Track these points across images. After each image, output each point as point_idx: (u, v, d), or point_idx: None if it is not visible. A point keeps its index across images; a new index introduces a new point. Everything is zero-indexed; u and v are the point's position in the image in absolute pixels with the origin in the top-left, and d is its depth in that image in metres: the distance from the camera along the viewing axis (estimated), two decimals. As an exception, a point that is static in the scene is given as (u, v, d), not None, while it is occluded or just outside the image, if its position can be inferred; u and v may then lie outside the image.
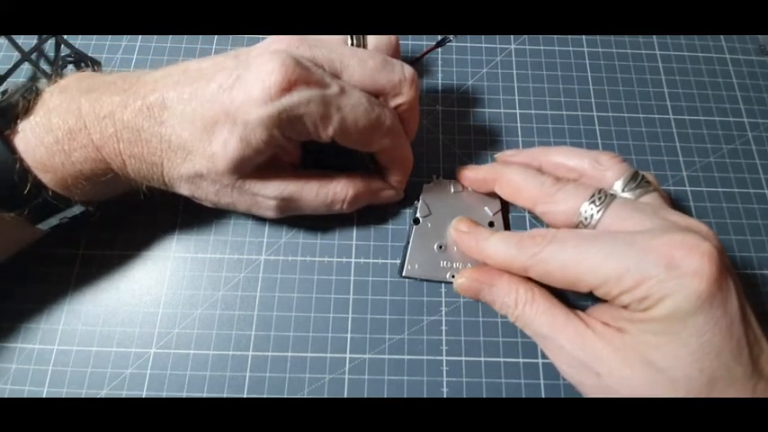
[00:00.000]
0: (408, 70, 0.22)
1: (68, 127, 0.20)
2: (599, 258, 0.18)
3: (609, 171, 0.23)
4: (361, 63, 0.21)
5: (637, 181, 0.22)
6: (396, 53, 0.24)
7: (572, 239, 0.19)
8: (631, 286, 0.18)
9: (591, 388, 0.19)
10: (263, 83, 0.19)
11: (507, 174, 0.24)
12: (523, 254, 0.20)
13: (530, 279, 0.21)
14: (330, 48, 0.21)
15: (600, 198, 0.21)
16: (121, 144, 0.20)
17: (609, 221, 0.20)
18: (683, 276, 0.17)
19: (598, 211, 0.20)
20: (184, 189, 0.23)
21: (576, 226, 0.21)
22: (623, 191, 0.22)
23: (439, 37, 0.32)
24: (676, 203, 0.29)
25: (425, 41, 0.32)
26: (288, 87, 0.19)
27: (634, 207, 0.20)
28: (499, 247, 0.22)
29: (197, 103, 0.20)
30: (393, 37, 0.24)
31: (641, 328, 0.18)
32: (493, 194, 0.26)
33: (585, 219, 0.21)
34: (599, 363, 0.19)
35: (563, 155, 0.24)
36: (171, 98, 0.20)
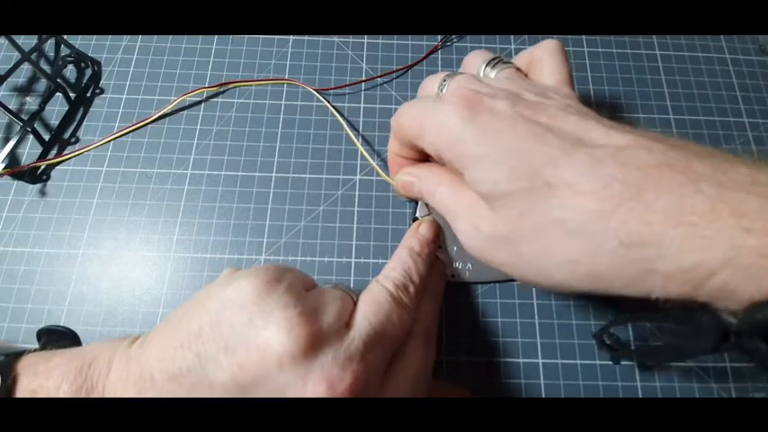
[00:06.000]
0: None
1: None
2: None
3: (471, 70, 0.23)
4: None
5: (495, 62, 0.22)
6: None
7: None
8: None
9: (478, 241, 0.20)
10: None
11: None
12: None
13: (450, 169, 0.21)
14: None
15: None
16: None
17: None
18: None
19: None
20: None
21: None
22: (483, 74, 0.22)
23: (439, 37, 0.32)
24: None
25: (425, 41, 0.32)
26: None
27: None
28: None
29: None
30: None
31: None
32: None
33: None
34: (480, 220, 0.19)
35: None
36: None
